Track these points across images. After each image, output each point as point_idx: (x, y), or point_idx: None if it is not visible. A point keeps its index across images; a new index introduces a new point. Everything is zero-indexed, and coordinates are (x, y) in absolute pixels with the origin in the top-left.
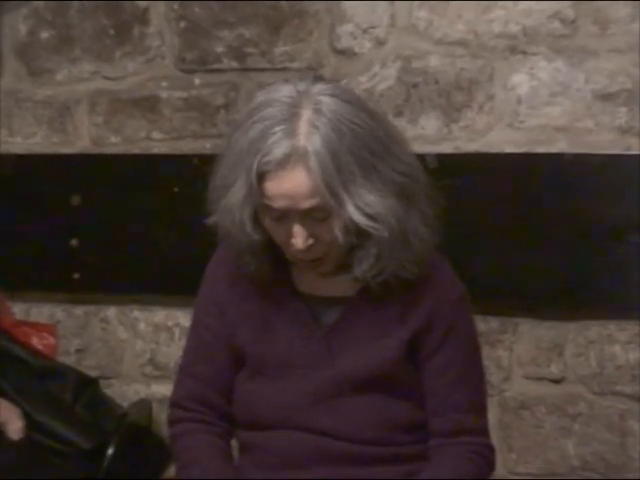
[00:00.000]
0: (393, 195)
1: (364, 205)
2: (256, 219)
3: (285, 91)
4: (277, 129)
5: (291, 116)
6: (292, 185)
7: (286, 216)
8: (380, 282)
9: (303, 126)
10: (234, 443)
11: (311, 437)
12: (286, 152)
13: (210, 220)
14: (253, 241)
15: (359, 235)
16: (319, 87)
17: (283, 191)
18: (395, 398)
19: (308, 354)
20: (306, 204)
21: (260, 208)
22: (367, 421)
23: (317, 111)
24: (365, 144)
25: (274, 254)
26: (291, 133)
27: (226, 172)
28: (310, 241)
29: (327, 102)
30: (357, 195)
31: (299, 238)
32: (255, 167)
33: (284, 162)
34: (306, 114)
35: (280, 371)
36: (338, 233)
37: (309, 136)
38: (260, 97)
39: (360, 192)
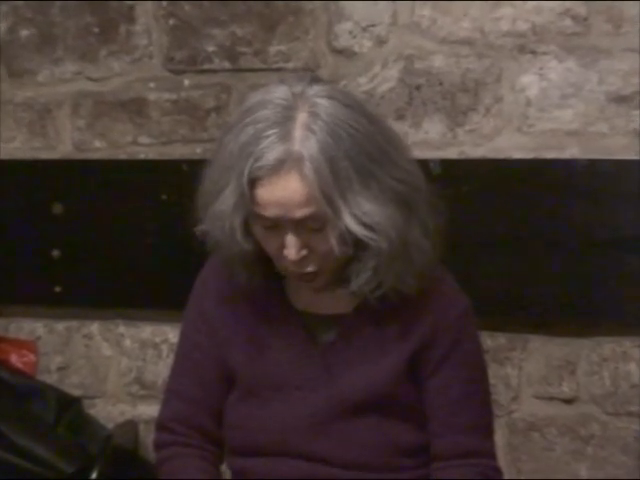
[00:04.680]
0: (392, 204)
1: (361, 214)
2: (247, 227)
3: (280, 92)
4: (270, 132)
5: (286, 119)
6: (285, 192)
7: (278, 225)
8: (378, 297)
9: (298, 130)
10: (224, 469)
11: (307, 464)
12: (280, 157)
13: (199, 228)
14: (244, 251)
15: (356, 246)
16: (316, 89)
17: (276, 199)
18: (396, 420)
19: (304, 375)
20: (300, 213)
21: (251, 216)
22: (366, 446)
23: (313, 114)
24: (363, 150)
25: (266, 266)
26: (285, 137)
27: (216, 177)
28: (304, 252)
29: (324, 105)
30: (354, 203)
31: (292, 249)
32: (246, 173)
33: (277, 168)
34: (302, 117)
35: (274, 393)
36: (334, 244)
37: (304, 140)
38: (253, 98)
39: (357, 200)
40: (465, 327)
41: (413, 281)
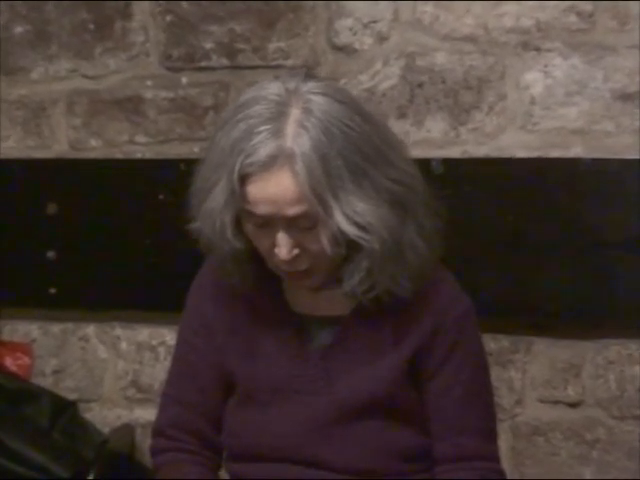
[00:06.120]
0: (386, 204)
1: (354, 214)
2: (238, 225)
3: (273, 88)
4: (262, 128)
5: (278, 115)
6: (276, 190)
7: (270, 223)
8: (372, 299)
9: (291, 126)
10: (223, 474)
11: (307, 470)
12: (271, 153)
13: (192, 226)
14: (235, 249)
15: (349, 247)
16: (310, 85)
17: (267, 196)
18: (397, 424)
19: (304, 378)
20: (291, 211)
21: (242, 214)
22: (366, 450)
23: (307, 111)
24: (357, 148)
25: (259, 266)
26: (277, 133)
27: (208, 174)
28: (295, 251)
29: (318, 101)
30: (346, 203)
31: (283, 248)
32: (237, 169)
33: (269, 164)
34: (295, 113)
35: (273, 397)
36: (325, 243)
37: (297, 137)
38: (247, 95)
39: (350, 200)
40: (466, 328)
41: (408, 283)
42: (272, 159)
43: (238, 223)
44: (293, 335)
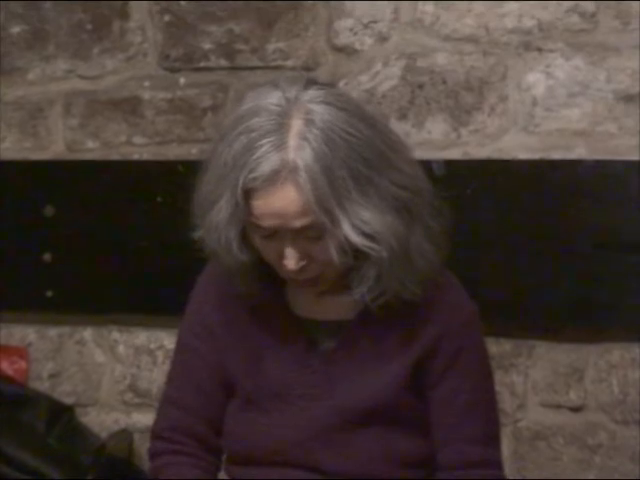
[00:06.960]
0: (393, 211)
1: (361, 223)
2: (244, 238)
3: (273, 98)
4: (265, 141)
5: (280, 127)
6: (282, 203)
7: (276, 234)
8: (380, 305)
9: (293, 139)
10: (223, 477)
11: (308, 475)
12: (274, 167)
13: (196, 234)
14: (241, 262)
15: (357, 254)
16: (311, 94)
17: (272, 210)
18: (399, 430)
19: (306, 384)
20: (297, 223)
21: (248, 226)
22: (368, 456)
23: (308, 122)
24: (361, 156)
25: (266, 273)
26: (280, 146)
27: (210, 187)
28: (303, 262)
29: (319, 111)
30: (353, 213)
31: (291, 260)
32: (241, 184)
33: (272, 178)
34: (296, 125)
35: (275, 402)
36: (333, 253)
37: (299, 150)
38: (246, 104)
39: (356, 209)
40: (470, 335)
41: (416, 288)
42: (275, 173)
43: (243, 236)
44: (296, 339)
